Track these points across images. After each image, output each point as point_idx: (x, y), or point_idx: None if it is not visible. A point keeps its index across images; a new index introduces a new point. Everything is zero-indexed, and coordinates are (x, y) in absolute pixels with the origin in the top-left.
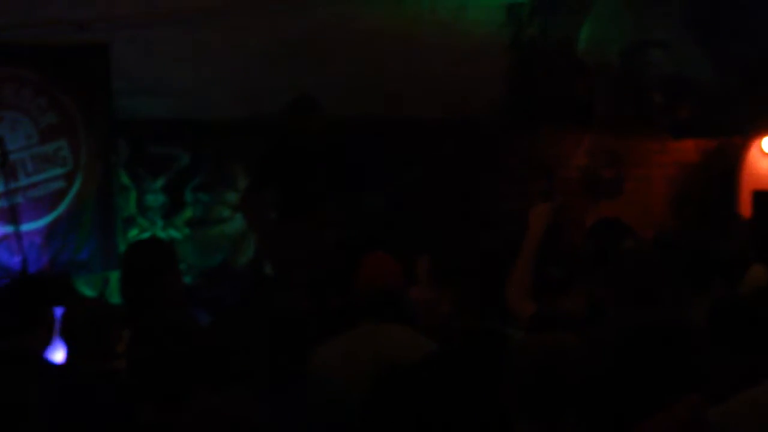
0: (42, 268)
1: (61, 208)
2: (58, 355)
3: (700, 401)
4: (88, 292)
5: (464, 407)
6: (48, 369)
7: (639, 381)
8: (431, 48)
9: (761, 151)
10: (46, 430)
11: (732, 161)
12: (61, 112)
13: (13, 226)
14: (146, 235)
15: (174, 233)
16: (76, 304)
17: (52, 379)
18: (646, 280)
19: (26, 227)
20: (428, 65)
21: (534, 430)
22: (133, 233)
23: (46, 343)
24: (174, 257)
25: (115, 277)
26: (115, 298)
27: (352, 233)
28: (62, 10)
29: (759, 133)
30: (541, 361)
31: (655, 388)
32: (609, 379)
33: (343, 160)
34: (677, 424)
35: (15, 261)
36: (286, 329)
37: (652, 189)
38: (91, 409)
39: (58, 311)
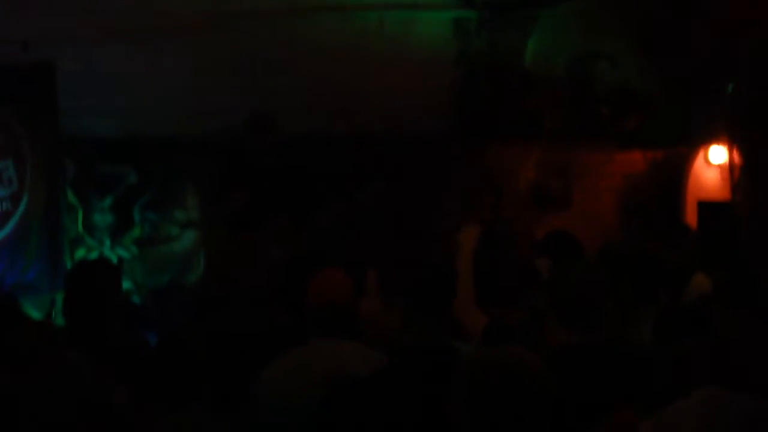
0: None
1: (7, 230)
2: None
3: (633, 415)
4: (34, 314)
5: (414, 422)
6: None
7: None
8: (379, 62)
9: (706, 161)
10: None
11: (678, 171)
12: (6, 132)
13: None
14: (94, 254)
15: (122, 252)
16: (21, 327)
17: None
18: (581, 297)
19: None
20: (377, 79)
21: None
22: (81, 253)
23: None
24: (119, 278)
25: (60, 299)
26: (62, 319)
27: (302, 248)
28: (6, 28)
29: (704, 143)
30: (492, 376)
31: (591, 404)
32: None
33: (294, 176)
34: None
35: None
36: (234, 348)
37: (600, 200)
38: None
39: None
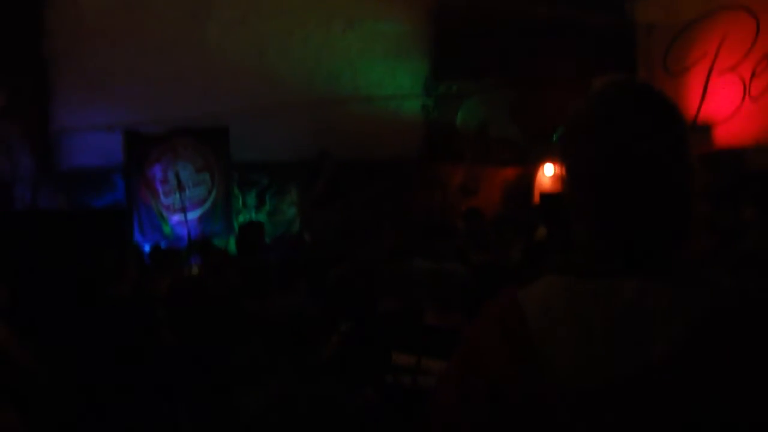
0: (198, 235)
1: (207, 206)
2: None
3: (514, 288)
4: (220, 245)
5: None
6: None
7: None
8: (385, 124)
9: (543, 173)
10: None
11: (530, 178)
12: (206, 159)
13: (184, 215)
14: (247, 218)
15: (261, 218)
16: (214, 253)
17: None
18: (486, 236)
19: (190, 216)
20: (383, 133)
21: (436, 312)
22: (241, 218)
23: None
24: (263, 230)
25: (232, 240)
26: (232, 249)
27: (343, 216)
28: (203, 107)
29: (542, 163)
30: (440, 277)
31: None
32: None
33: (341, 180)
34: (498, 304)
35: (184, 232)
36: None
37: (492, 192)
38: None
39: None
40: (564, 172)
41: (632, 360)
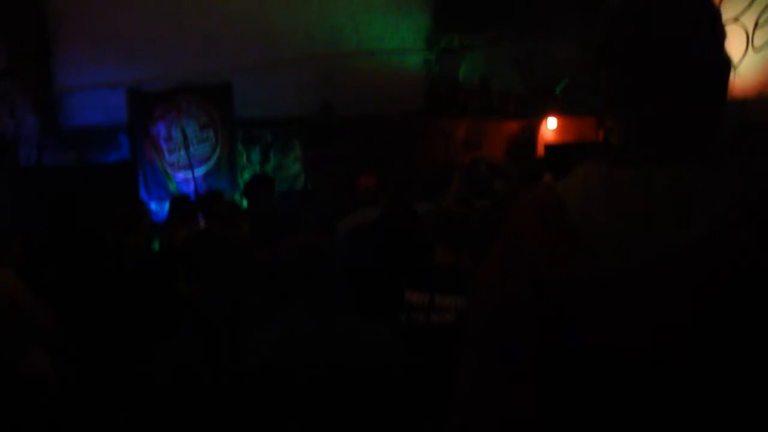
0: (205, 191)
1: (211, 162)
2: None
3: (552, 179)
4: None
5: (399, 241)
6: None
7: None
8: (389, 78)
9: (546, 126)
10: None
11: (534, 131)
12: (210, 116)
13: (191, 172)
14: (253, 173)
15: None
16: (224, 204)
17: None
18: (488, 184)
19: (197, 172)
20: (388, 86)
21: (446, 252)
22: (246, 174)
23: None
24: (272, 182)
25: (236, 195)
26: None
27: (351, 166)
28: (209, 65)
29: (544, 117)
30: (447, 218)
31: None
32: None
33: (343, 132)
34: (537, 193)
35: (191, 189)
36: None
37: (495, 145)
38: (226, 253)
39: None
40: (598, 60)
41: (671, 239)
